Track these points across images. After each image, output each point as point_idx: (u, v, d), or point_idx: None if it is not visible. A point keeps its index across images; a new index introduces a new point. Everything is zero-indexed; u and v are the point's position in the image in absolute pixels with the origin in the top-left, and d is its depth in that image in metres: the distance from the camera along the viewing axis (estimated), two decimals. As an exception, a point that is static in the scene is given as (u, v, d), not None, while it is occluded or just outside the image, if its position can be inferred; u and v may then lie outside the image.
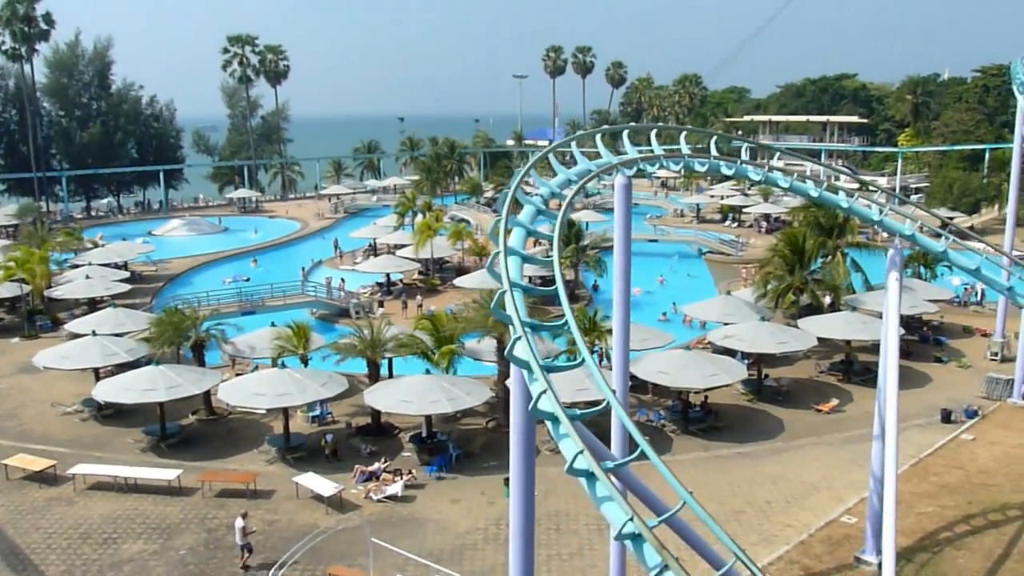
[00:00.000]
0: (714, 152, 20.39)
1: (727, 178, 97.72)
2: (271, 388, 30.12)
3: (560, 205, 15.20)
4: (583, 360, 11.66)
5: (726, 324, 40.12)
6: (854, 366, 39.56)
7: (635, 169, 17.15)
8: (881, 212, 21.02)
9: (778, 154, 27.31)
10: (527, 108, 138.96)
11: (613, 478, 10.77)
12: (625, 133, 19.00)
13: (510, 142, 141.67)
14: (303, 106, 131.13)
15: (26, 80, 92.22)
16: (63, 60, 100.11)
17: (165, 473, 28.60)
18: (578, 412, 10.88)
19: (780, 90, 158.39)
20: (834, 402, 35.81)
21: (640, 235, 77.38)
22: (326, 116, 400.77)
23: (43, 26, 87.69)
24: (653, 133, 20.29)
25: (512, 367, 12.45)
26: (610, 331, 35.52)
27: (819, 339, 38.64)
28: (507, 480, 27.94)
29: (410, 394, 29.80)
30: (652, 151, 18.73)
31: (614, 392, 11.73)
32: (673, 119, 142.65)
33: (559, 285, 12.64)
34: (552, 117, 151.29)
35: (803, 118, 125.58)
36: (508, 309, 11.77)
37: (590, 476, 10.09)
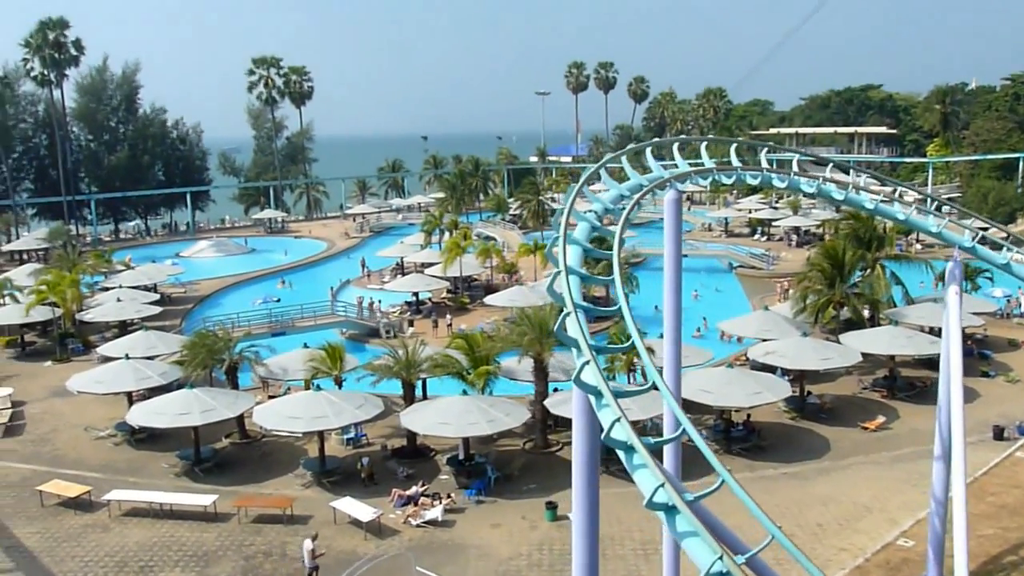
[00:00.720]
0: (764, 164, 19.76)
1: (754, 191, 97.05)
2: (306, 411, 29.64)
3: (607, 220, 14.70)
4: (653, 384, 11.07)
5: (764, 340, 39.26)
6: (898, 382, 38.52)
7: (687, 183, 16.56)
8: (939, 224, 20.26)
9: (831, 165, 26.80)
10: (548, 124, 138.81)
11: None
12: (675, 146, 18.42)
13: (533, 159, 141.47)
14: (327, 126, 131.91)
15: (55, 106, 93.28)
16: (92, 85, 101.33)
17: (201, 499, 28.17)
18: (652, 440, 10.29)
19: (804, 102, 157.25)
20: (880, 419, 34.80)
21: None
22: (350, 136, 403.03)
23: (73, 52, 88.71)
24: (703, 146, 19.69)
25: (575, 391, 11.83)
26: (650, 350, 34.90)
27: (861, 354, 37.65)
28: (549, 504, 27.41)
29: (447, 416, 29.22)
30: (702, 164, 18.13)
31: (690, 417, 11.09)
32: (697, 133, 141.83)
33: (622, 304, 12.04)
34: (575, 133, 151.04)
35: (830, 130, 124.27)
36: (572, 331, 11.19)
37: (670, 510, 9.50)
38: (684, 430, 10.56)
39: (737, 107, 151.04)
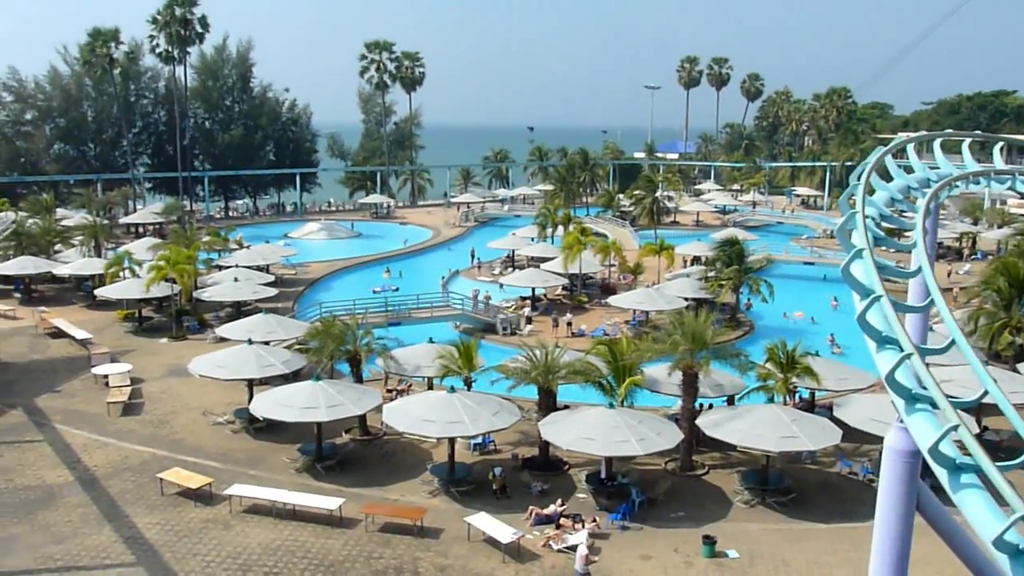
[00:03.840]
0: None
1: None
2: (440, 414, 27.39)
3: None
4: (986, 391, 9.79)
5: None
6: (1084, 421, 33.99)
7: (967, 186, 13.60)
8: None
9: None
10: (655, 121, 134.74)
11: None
12: (937, 143, 15.40)
13: (639, 154, 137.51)
14: (433, 114, 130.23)
15: (177, 82, 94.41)
16: (210, 63, 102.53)
17: (326, 501, 26.31)
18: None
19: (930, 107, 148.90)
20: (1072, 465, 30.54)
21: (794, 257, 72.23)
22: (455, 124, 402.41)
23: (199, 29, 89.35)
24: (966, 144, 16.57)
25: (887, 455, 9.04)
26: (807, 369, 31.54)
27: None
28: (706, 538, 24.50)
29: (593, 430, 26.51)
30: (966, 167, 15.05)
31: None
32: (814, 134, 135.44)
33: (957, 336, 9.26)
34: (684, 129, 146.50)
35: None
36: (894, 330, 8.74)
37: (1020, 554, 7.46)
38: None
39: (856, 109, 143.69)
